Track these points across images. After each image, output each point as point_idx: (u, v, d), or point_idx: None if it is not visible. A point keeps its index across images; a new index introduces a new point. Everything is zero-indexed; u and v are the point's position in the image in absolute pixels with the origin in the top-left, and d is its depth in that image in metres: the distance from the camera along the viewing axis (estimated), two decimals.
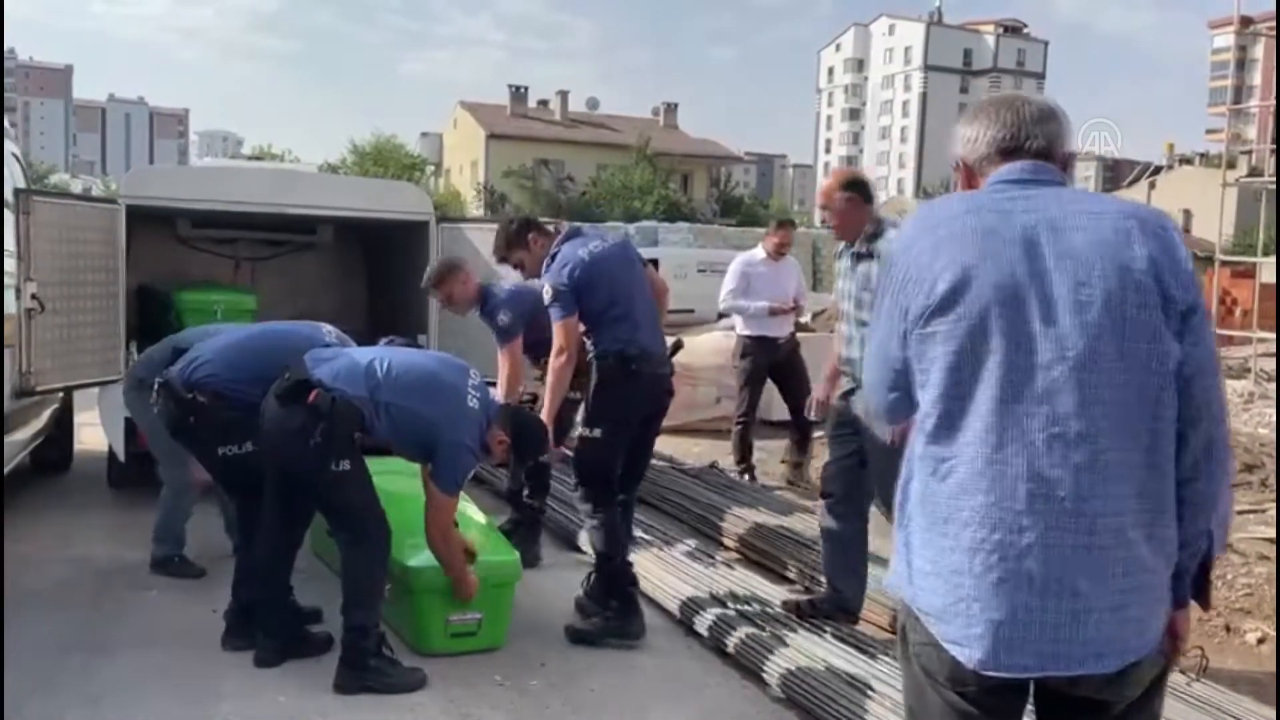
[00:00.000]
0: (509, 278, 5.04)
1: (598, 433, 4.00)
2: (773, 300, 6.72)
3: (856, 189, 4.00)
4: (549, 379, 4.16)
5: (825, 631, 3.88)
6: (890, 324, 1.74)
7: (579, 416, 4.18)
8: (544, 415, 4.11)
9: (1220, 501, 1.68)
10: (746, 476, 6.84)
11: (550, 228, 4.43)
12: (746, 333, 6.87)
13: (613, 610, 4.06)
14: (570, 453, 4.38)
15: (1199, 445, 1.64)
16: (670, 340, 4.66)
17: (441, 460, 3.60)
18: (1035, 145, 1.78)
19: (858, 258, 3.95)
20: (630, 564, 4.19)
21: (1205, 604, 1.74)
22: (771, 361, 6.83)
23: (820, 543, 4.29)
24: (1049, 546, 1.58)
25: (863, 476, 3.95)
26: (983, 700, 1.67)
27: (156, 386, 3.96)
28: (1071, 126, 1.84)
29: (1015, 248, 1.64)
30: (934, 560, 1.67)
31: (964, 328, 1.63)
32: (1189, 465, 1.64)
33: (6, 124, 5.69)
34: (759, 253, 7.01)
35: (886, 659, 3.59)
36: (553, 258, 4.08)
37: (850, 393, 3.97)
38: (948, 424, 1.65)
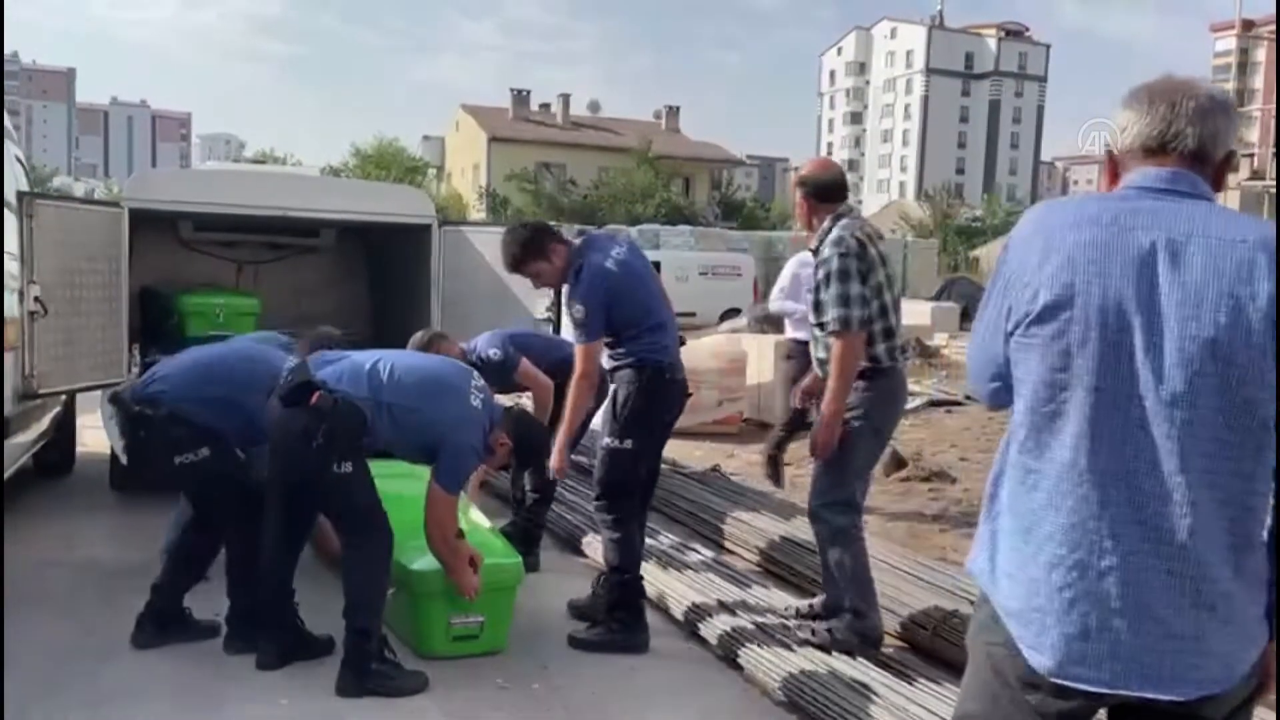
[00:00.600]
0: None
1: (629, 444, 3.91)
2: None
3: (808, 186, 3.85)
4: (570, 401, 3.96)
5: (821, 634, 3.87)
6: (996, 319, 1.70)
7: (604, 428, 4.01)
8: (561, 440, 3.99)
9: None
10: (775, 484, 6.50)
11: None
12: (794, 336, 6.51)
13: (618, 622, 4.02)
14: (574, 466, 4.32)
15: None
16: None
17: (444, 460, 3.60)
18: (1185, 146, 1.63)
19: (815, 255, 3.81)
20: (641, 578, 4.13)
21: None
22: None
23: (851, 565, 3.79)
24: (1130, 570, 1.57)
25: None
26: (1052, 705, 1.65)
27: (109, 398, 4.01)
28: (1238, 122, 1.70)
29: (1128, 269, 1.56)
30: (1017, 565, 1.66)
31: (1061, 346, 1.58)
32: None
33: (9, 126, 5.70)
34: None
35: (889, 662, 3.59)
36: (577, 271, 3.88)
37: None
38: (1036, 438, 1.64)
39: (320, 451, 3.46)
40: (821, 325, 3.71)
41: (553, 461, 4.04)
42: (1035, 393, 1.63)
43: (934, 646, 3.80)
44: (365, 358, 3.75)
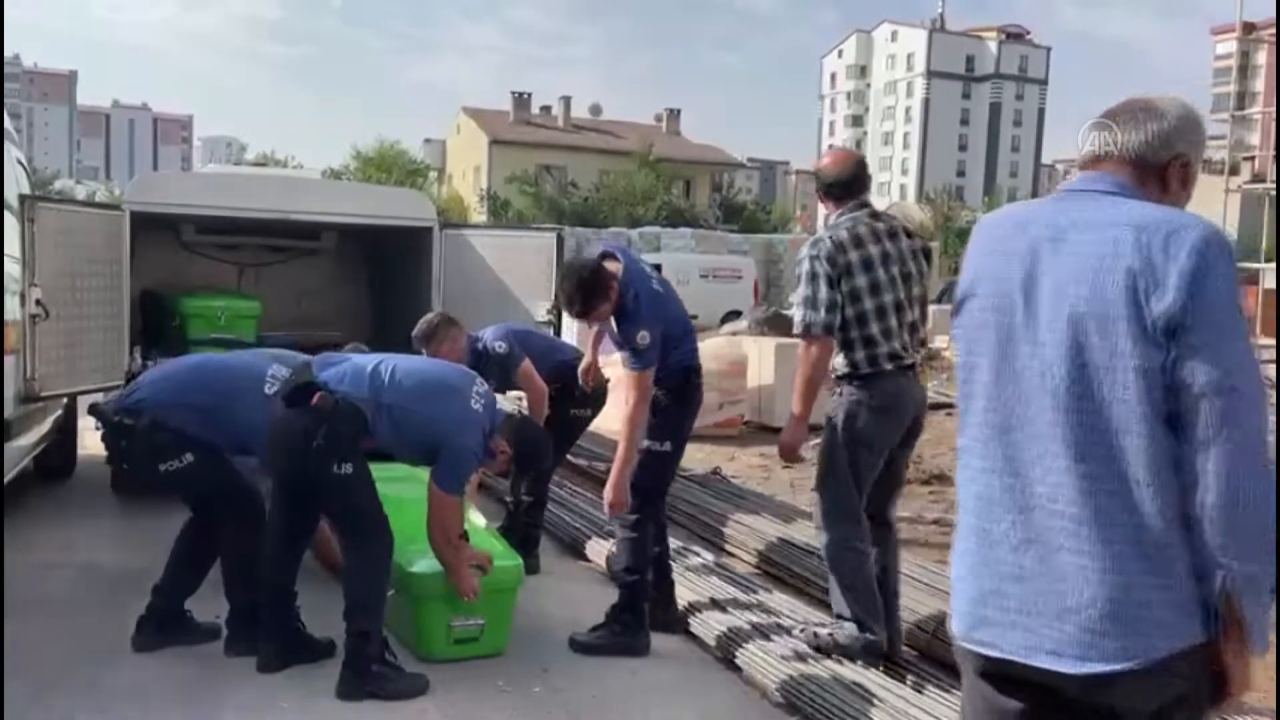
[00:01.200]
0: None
1: (668, 446, 3.98)
2: None
3: (817, 179, 3.86)
4: (629, 429, 3.83)
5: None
6: None
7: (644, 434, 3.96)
8: (619, 473, 3.86)
9: (1241, 534, 1.54)
10: None
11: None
12: None
13: (620, 624, 4.02)
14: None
15: (1205, 469, 1.54)
16: None
17: (444, 461, 3.61)
18: (1097, 149, 1.77)
19: None
20: (649, 581, 4.11)
21: (1232, 644, 1.59)
22: None
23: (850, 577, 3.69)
24: (1019, 539, 1.66)
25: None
26: (1002, 702, 1.71)
27: (88, 410, 4.03)
28: (1187, 128, 1.74)
29: (1017, 259, 1.70)
30: (956, 543, 1.81)
31: (969, 334, 1.76)
32: (1196, 491, 1.56)
33: (9, 127, 5.70)
34: None
35: (889, 665, 3.59)
36: (635, 298, 3.80)
37: None
38: (963, 420, 1.78)
39: (321, 452, 3.47)
40: None
41: (609, 495, 3.90)
42: (959, 375, 1.79)
43: (932, 649, 3.80)
44: (367, 360, 3.76)
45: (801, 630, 3.85)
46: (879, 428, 3.60)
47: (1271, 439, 1.62)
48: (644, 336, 3.76)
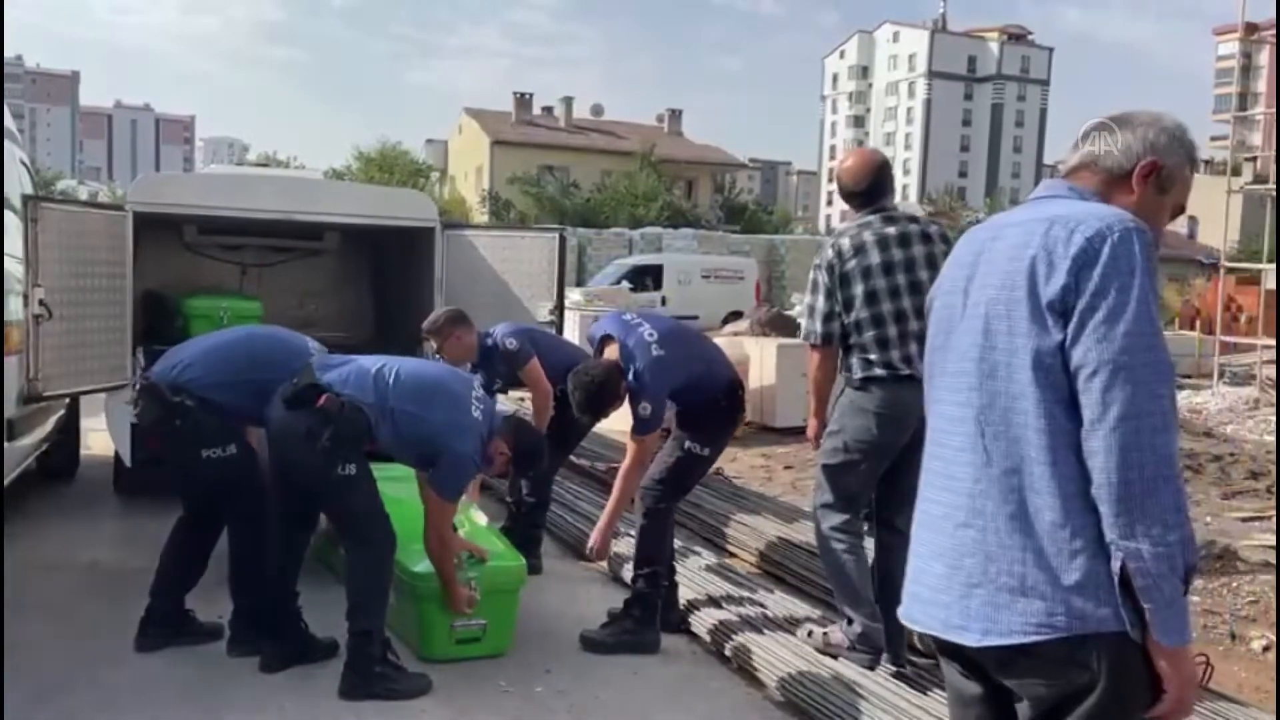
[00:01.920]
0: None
1: (707, 451, 4.13)
2: None
3: (838, 186, 3.91)
4: (622, 486, 4.08)
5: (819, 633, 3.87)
6: None
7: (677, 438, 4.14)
8: (605, 523, 4.17)
9: (1136, 514, 1.53)
10: None
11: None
12: None
13: (632, 619, 4.05)
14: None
15: (1094, 449, 1.55)
16: None
17: (442, 468, 3.61)
18: (1073, 162, 1.84)
19: None
20: (663, 575, 4.13)
21: (1159, 636, 1.55)
22: None
23: (836, 572, 3.73)
24: (930, 516, 1.78)
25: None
26: (953, 673, 1.82)
27: (139, 388, 3.98)
28: (1160, 134, 1.77)
29: (966, 260, 1.82)
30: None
31: (929, 336, 1.89)
32: (1095, 472, 1.56)
33: (13, 128, 5.71)
34: None
35: (888, 665, 3.59)
36: (637, 376, 3.93)
37: None
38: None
39: (325, 454, 3.47)
40: None
41: (594, 541, 4.18)
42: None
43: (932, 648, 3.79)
44: (371, 362, 3.75)
45: (809, 634, 3.84)
46: (871, 433, 3.55)
47: (1270, 438, 1.62)
48: (645, 408, 3.94)
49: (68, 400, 5.93)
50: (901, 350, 3.51)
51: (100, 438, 6.42)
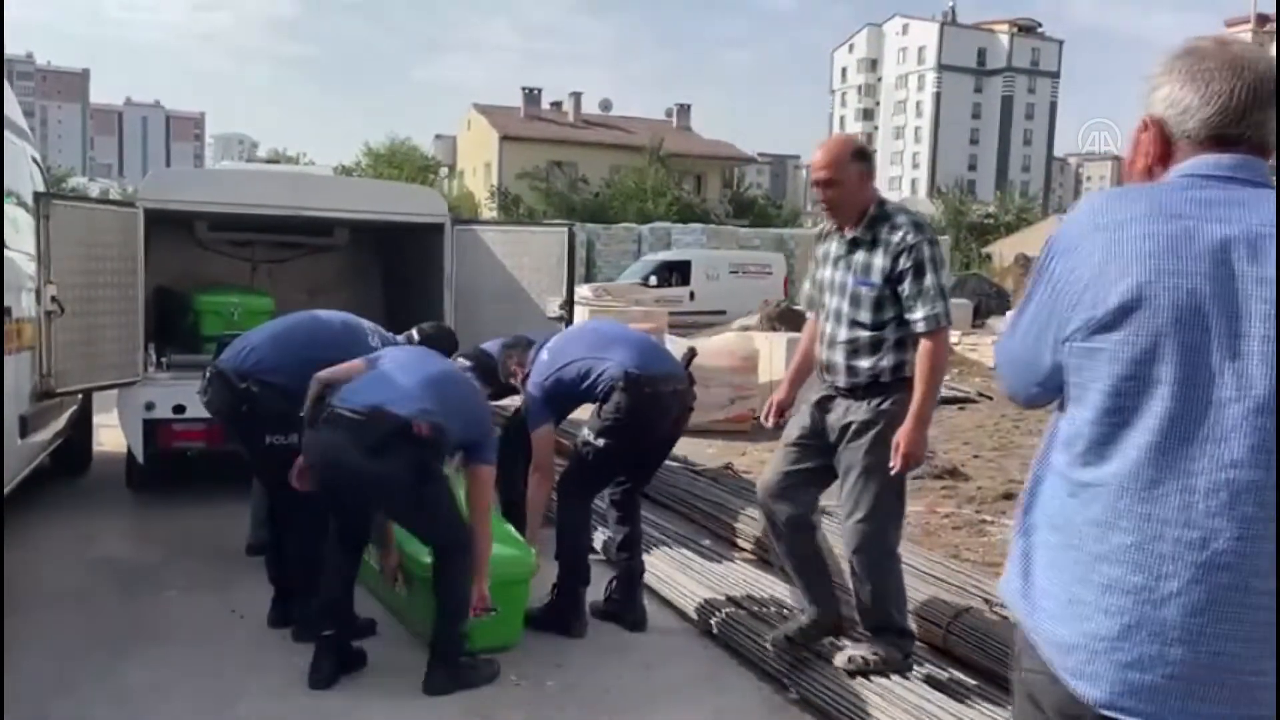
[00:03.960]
0: None
1: (601, 442, 4.10)
2: None
3: (868, 160, 3.52)
4: (527, 483, 4.35)
5: (843, 634, 3.87)
6: (1042, 323, 1.55)
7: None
8: (530, 527, 4.30)
9: None
10: None
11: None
12: None
13: (559, 606, 4.11)
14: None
15: None
16: (684, 349, 4.71)
17: (484, 445, 3.72)
18: (1254, 135, 1.49)
19: (855, 244, 3.42)
20: (581, 567, 4.17)
21: None
22: None
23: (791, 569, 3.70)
24: (1195, 598, 1.41)
25: (812, 490, 3.65)
26: None
27: (209, 375, 4.07)
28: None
29: (1203, 265, 1.41)
30: (1061, 586, 1.52)
31: (1133, 352, 1.43)
32: None
33: (20, 121, 5.73)
34: None
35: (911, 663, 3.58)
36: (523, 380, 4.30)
37: (828, 399, 3.53)
38: (1099, 450, 1.48)
39: (419, 480, 3.48)
40: (899, 322, 3.35)
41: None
42: (1100, 403, 1.47)
43: (948, 644, 3.80)
44: (413, 370, 3.68)
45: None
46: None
47: None
48: (525, 406, 4.29)
49: (80, 396, 5.96)
50: (827, 356, 3.52)
51: (112, 433, 6.45)
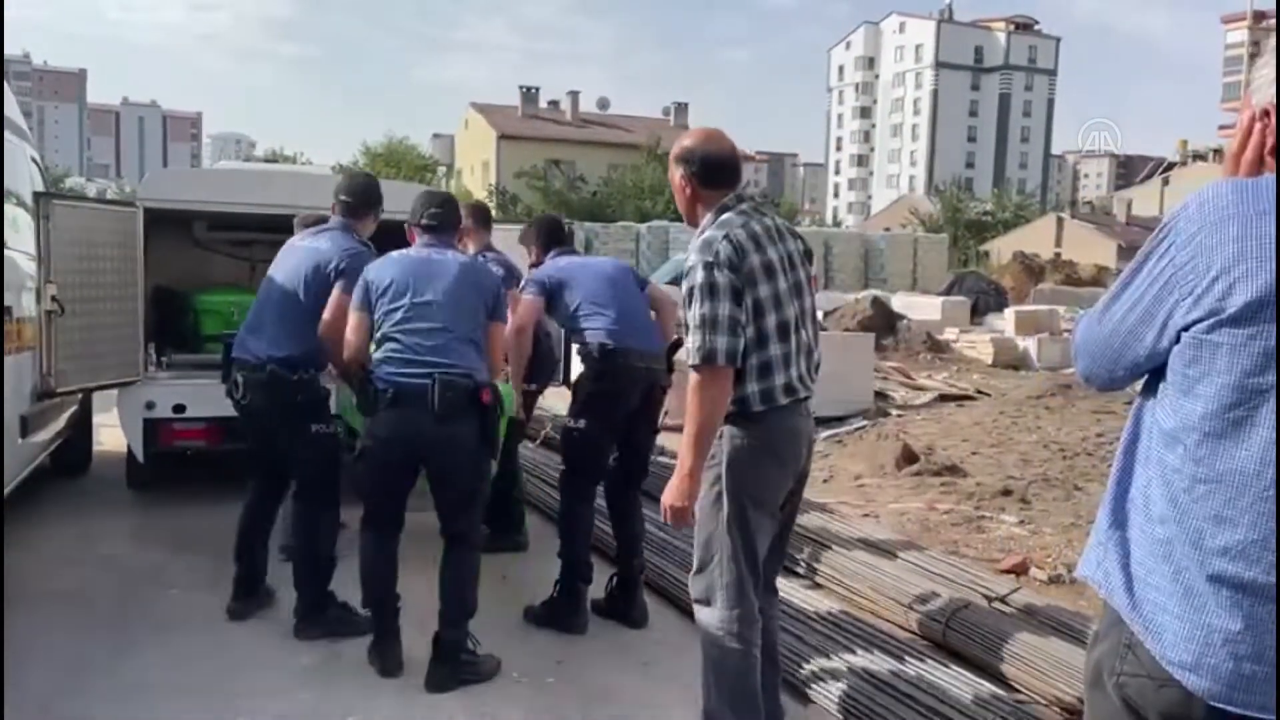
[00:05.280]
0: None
1: (583, 423, 4.21)
2: None
3: (689, 162, 2.92)
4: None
5: (845, 631, 3.89)
6: (1146, 310, 1.53)
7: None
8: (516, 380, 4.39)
9: None
10: None
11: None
12: None
13: (558, 601, 4.18)
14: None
15: None
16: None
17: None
18: None
19: None
20: (581, 563, 4.20)
21: None
22: None
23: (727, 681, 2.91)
24: None
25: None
26: None
27: (242, 380, 3.98)
28: None
29: None
30: (1175, 579, 1.50)
31: (1259, 347, 1.41)
32: None
33: (19, 120, 5.72)
34: None
35: (911, 660, 3.60)
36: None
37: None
38: (1216, 445, 1.46)
39: (485, 451, 3.67)
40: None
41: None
42: (1219, 397, 1.45)
43: (947, 640, 3.81)
44: (439, 307, 3.59)
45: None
46: (770, 481, 2.88)
47: None
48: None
49: (80, 396, 5.97)
50: (798, 368, 2.88)
51: (112, 433, 6.46)
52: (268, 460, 4.13)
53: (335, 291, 3.85)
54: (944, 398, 11.14)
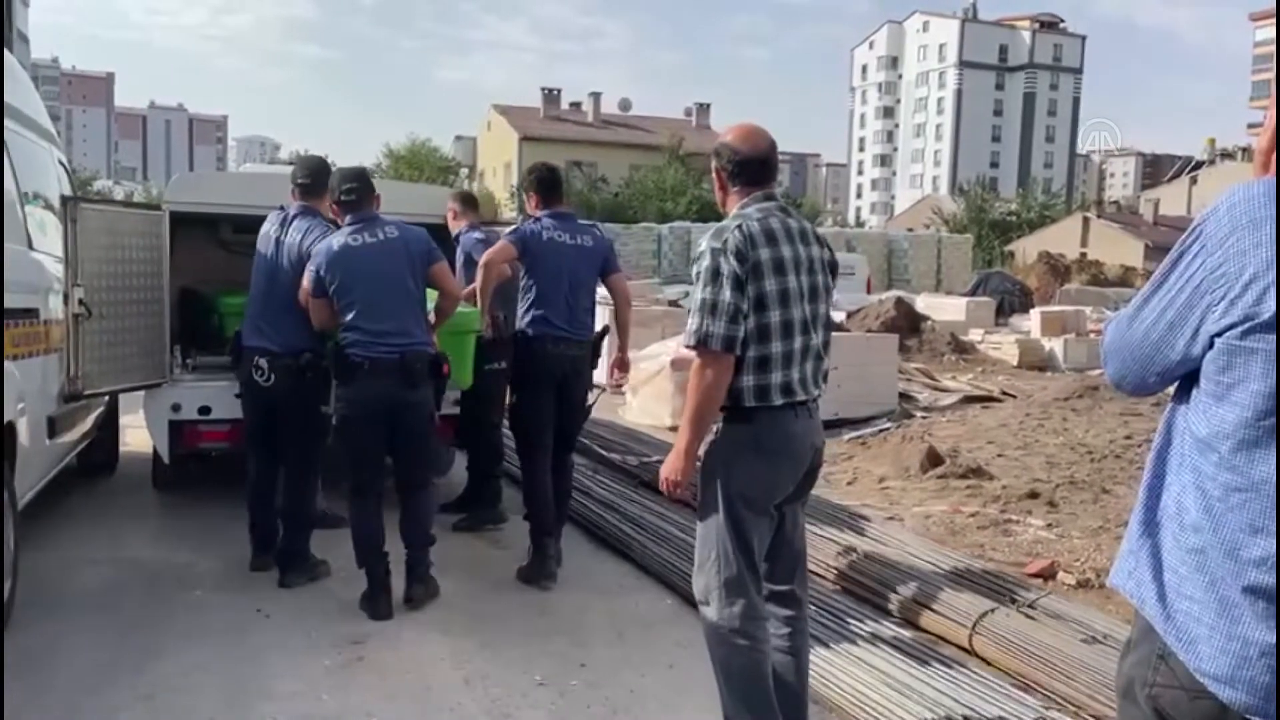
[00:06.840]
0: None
1: (516, 397, 4.86)
2: None
3: (720, 156, 3.05)
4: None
5: (857, 630, 3.86)
6: (1177, 315, 1.50)
7: None
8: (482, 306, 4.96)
9: None
10: None
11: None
12: None
13: (529, 555, 4.78)
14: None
15: None
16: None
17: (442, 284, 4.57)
18: None
19: None
20: (543, 522, 4.78)
21: None
22: None
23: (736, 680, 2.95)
24: None
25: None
26: None
27: (265, 364, 4.61)
28: None
29: None
30: (1210, 589, 1.46)
31: None
32: None
33: (45, 122, 5.78)
34: None
35: (920, 657, 3.57)
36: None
37: None
38: (1251, 453, 1.42)
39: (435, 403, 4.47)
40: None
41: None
42: (1254, 404, 1.41)
43: (973, 644, 3.78)
44: (372, 292, 4.26)
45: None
46: (763, 481, 2.87)
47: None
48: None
49: (107, 398, 6.01)
50: (800, 370, 2.87)
51: (138, 434, 6.51)
52: (268, 436, 4.73)
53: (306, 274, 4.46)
54: (969, 399, 11.05)
